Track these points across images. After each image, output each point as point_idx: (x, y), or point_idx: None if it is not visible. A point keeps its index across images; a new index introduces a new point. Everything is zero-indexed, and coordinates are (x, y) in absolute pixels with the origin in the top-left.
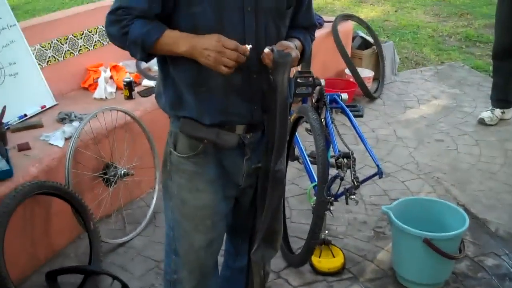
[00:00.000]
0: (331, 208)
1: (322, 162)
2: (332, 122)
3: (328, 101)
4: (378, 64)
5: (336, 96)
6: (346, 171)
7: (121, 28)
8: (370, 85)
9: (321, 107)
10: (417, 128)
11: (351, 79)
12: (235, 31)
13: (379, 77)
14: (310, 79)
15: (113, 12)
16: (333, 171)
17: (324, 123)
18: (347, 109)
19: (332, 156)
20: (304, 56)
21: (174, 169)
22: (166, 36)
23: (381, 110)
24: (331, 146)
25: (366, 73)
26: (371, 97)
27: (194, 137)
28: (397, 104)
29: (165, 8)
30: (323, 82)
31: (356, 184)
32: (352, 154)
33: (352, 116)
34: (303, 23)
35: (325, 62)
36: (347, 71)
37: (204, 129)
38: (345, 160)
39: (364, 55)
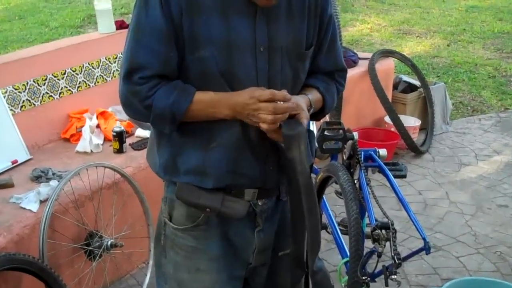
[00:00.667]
0: None
1: (355, 233)
2: (368, 184)
3: (362, 158)
4: (426, 111)
5: (372, 152)
6: (384, 245)
7: (141, 101)
8: (416, 137)
9: (354, 165)
10: (475, 190)
11: (392, 129)
12: (247, 75)
13: (427, 127)
14: (341, 131)
15: (127, 77)
16: (369, 244)
17: (357, 184)
18: (386, 168)
19: (367, 226)
20: (324, 111)
21: (170, 244)
22: (197, 102)
23: (430, 168)
24: (367, 213)
25: (411, 121)
26: (417, 151)
27: (193, 204)
28: (449, 160)
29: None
30: (356, 135)
31: (397, 261)
32: (392, 224)
33: (392, 177)
34: (327, 67)
35: (360, 108)
36: (387, 119)
37: (206, 194)
38: (384, 231)
39: (408, 100)
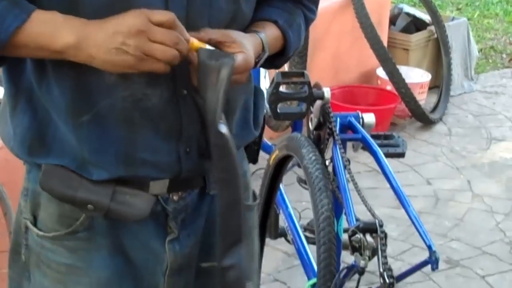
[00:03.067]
0: None
1: (325, 241)
2: (346, 167)
3: (338, 127)
4: (439, 60)
5: (352, 119)
6: (370, 257)
7: None
8: (425, 99)
9: (325, 138)
10: (511, 178)
11: (388, 88)
12: (148, 2)
13: (440, 84)
14: (304, 87)
15: None
16: (348, 257)
17: (331, 168)
18: (373, 143)
19: (345, 230)
20: (286, 54)
21: (34, 261)
22: (35, 21)
23: (445, 145)
24: (344, 210)
25: (417, 76)
26: (425, 120)
27: (68, 199)
28: (474, 134)
29: None
30: (328, 92)
31: (388, 281)
32: (381, 225)
33: (383, 156)
34: None
35: (339, 56)
36: (380, 72)
37: (88, 184)
38: (368, 236)
39: (412, 43)
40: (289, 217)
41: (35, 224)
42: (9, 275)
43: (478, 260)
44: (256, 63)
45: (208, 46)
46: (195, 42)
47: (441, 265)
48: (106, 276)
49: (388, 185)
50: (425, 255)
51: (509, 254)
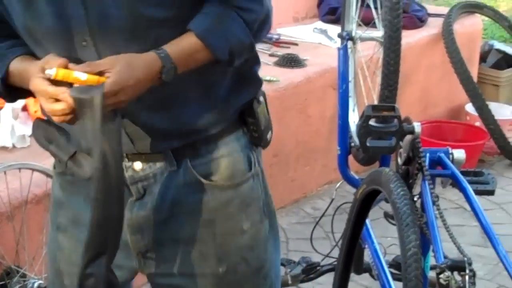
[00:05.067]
0: None
1: (412, 277)
2: (435, 203)
3: (427, 163)
4: None
5: (442, 154)
6: None
7: None
8: None
9: (413, 174)
10: None
11: (477, 124)
12: (49, 27)
13: None
14: (394, 121)
15: None
16: None
17: (419, 203)
18: (463, 179)
19: (433, 268)
20: (216, 57)
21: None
22: (11, 74)
23: None
24: (431, 247)
25: (507, 112)
26: None
27: (44, 148)
28: None
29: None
30: (418, 127)
31: None
32: (470, 264)
33: (473, 193)
34: None
35: (427, 90)
36: (469, 108)
37: (60, 141)
38: (456, 275)
39: (503, 79)
40: (374, 252)
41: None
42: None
43: None
44: (159, 78)
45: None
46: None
47: None
48: (83, 214)
49: (474, 223)
50: None
51: None
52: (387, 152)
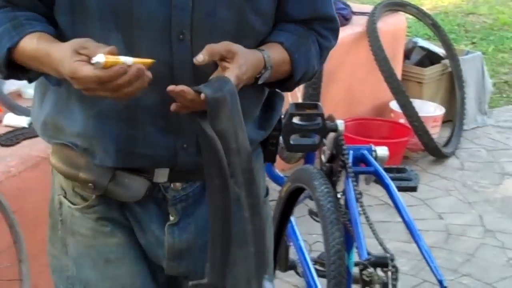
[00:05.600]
0: None
1: (336, 275)
2: (358, 200)
3: (351, 160)
4: (452, 94)
5: (365, 152)
6: None
7: None
8: (438, 133)
9: (337, 171)
10: None
11: (402, 121)
12: (152, 16)
13: (454, 118)
14: (318, 119)
15: None
16: None
17: (343, 201)
18: (386, 176)
19: (356, 264)
20: (294, 77)
21: (69, 231)
22: (21, 52)
23: (457, 179)
24: (355, 244)
25: (430, 109)
26: (438, 154)
27: (71, 176)
28: (487, 169)
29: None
30: (341, 125)
31: None
32: (392, 260)
33: (395, 190)
34: (300, 14)
35: (352, 88)
36: (393, 105)
37: (90, 165)
38: (379, 271)
39: (426, 77)
40: (299, 249)
41: (66, 196)
42: (50, 253)
43: None
44: (256, 79)
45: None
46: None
47: None
48: (127, 239)
49: (399, 219)
50: None
51: None
52: (310, 149)
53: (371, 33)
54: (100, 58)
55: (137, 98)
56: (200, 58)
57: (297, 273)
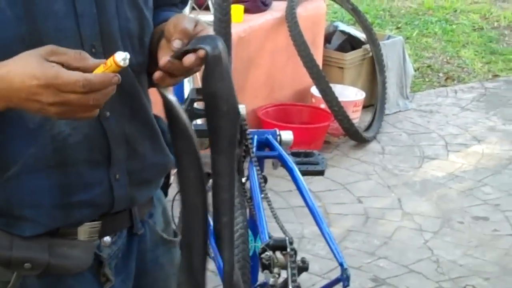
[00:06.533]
0: None
1: (239, 259)
2: (261, 184)
3: (255, 144)
4: (373, 79)
5: (270, 136)
6: (279, 275)
7: None
8: (359, 117)
9: (241, 156)
10: (441, 196)
11: (322, 106)
12: (60, 32)
13: (375, 103)
14: None
15: None
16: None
17: (248, 185)
18: (288, 159)
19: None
20: None
21: None
22: None
23: (378, 163)
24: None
25: (351, 94)
26: (359, 138)
27: (2, 261)
28: (407, 152)
29: None
30: (242, 109)
31: None
32: (291, 242)
33: (298, 173)
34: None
35: (273, 73)
36: (314, 90)
37: (20, 242)
38: (278, 254)
39: (347, 62)
40: (211, 235)
41: None
42: None
43: (404, 279)
44: None
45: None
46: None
47: (367, 283)
48: None
49: (318, 203)
50: (354, 273)
51: (435, 272)
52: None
53: (290, 19)
54: (126, 54)
55: (63, 138)
56: (178, 43)
57: (212, 259)
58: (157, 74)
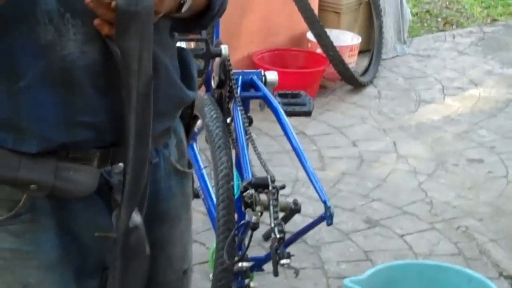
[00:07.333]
0: (251, 284)
1: (224, 198)
2: (244, 124)
3: (240, 85)
4: (370, 24)
5: (254, 77)
6: (261, 213)
7: None
8: (355, 62)
9: (226, 97)
10: (436, 139)
11: (318, 51)
12: None
13: (372, 48)
14: (200, 44)
15: None
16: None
17: (233, 126)
18: (274, 101)
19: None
20: (213, 2)
21: None
22: None
23: (373, 107)
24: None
25: (347, 39)
26: (355, 83)
27: (8, 180)
28: (403, 96)
29: None
30: (225, 49)
31: (278, 236)
32: (273, 180)
33: (283, 114)
34: None
35: (268, 18)
36: (310, 35)
37: (28, 163)
38: (258, 193)
39: (344, 6)
40: (201, 177)
41: None
42: None
43: (397, 220)
44: (181, 5)
45: None
46: None
47: (360, 225)
48: (55, 257)
49: (313, 147)
50: (344, 215)
51: (429, 213)
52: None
53: None
54: None
55: (72, 60)
56: None
57: (202, 199)
58: (96, 21)
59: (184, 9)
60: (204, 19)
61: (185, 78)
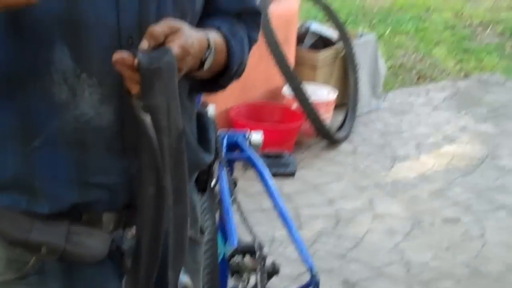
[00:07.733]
0: None
1: (209, 263)
2: (230, 188)
3: (225, 147)
4: (345, 78)
5: (239, 138)
6: (248, 279)
7: None
8: (330, 117)
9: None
10: (412, 197)
11: (294, 105)
12: (100, 19)
13: (347, 102)
14: None
15: None
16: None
17: (217, 188)
18: (258, 161)
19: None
20: (230, 68)
21: None
22: None
23: (349, 164)
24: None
25: (323, 94)
26: (331, 139)
27: (19, 242)
28: (378, 153)
29: None
30: (212, 109)
31: None
32: (261, 248)
33: (267, 174)
34: (230, 7)
35: (245, 72)
36: (286, 90)
37: (39, 225)
38: (246, 260)
39: (319, 61)
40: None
41: None
42: None
43: (375, 281)
44: (202, 63)
45: None
46: None
47: (338, 286)
48: None
49: (291, 205)
50: (322, 277)
51: (406, 274)
52: None
53: (263, 17)
54: None
55: (86, 120)
56: (145, 44)
57: None
58: (126, 82)
59: (206, 67)
60: (222, 79)
61: (201, 141)
